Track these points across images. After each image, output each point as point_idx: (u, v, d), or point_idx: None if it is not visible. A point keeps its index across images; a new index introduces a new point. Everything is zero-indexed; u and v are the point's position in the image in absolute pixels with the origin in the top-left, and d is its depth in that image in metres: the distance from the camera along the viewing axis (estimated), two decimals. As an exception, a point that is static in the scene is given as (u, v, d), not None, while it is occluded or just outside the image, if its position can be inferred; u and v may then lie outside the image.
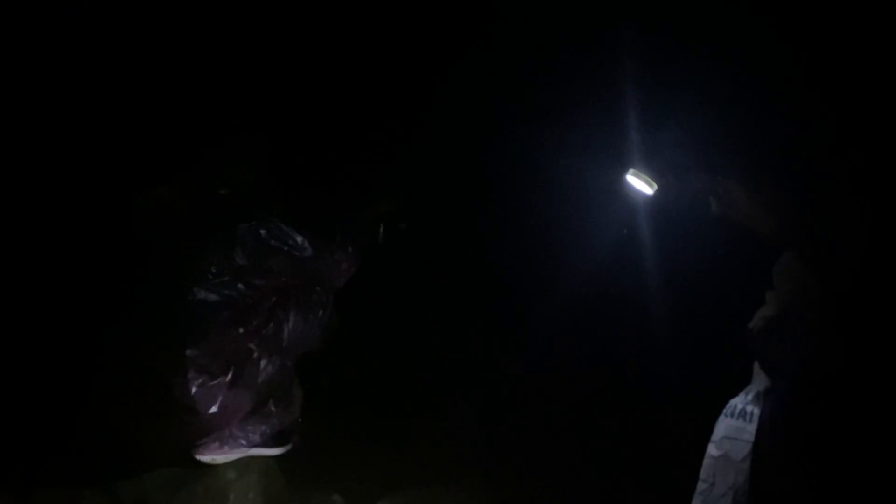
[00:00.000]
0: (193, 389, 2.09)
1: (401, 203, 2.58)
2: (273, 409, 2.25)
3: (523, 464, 2.50)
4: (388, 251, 2.52)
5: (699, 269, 2.57)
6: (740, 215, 1.79)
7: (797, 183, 1.73)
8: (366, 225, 2.42)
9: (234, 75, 2.73)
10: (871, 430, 1.60)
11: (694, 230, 2.15)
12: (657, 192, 2.06)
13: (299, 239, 2.22)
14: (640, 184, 2.07)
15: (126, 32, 2.65)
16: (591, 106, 2.50)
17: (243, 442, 2.21)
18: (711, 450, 1.81)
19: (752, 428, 1.72)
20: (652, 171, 2.04)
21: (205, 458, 2.19)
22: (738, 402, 1.81)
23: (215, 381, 2.13)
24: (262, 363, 2.20)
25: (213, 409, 2.12)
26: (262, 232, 2.18)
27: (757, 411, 1.74)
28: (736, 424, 1.77)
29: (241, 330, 2.16)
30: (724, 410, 1.83)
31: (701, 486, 1.82)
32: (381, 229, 2.49)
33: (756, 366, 1.82)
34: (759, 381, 1.79)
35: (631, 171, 2.08)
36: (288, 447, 2.35)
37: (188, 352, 2.09)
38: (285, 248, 2.21)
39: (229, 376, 2.15)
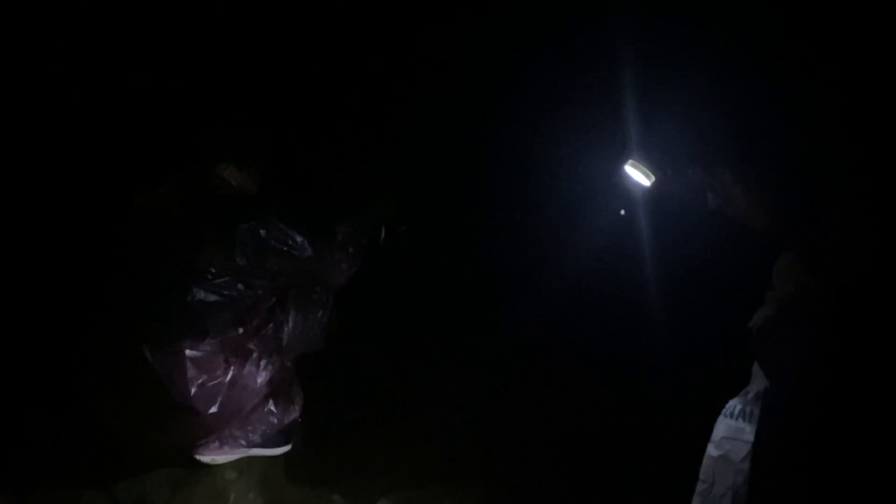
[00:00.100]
0: (193, 389, 2.09)
1: (402, 204, 2.58)
2: (273, 409, 2.25)
3: (523, 464, 2.50)
4: (388, 251, 2.52)
5: (698, 267, 2.57)
6: (736, 210, 1.79)
7: (794, 181, 1.73)
8: (366, 226, 2.42)
9: (234, 75, 2.74)
10: (870, 430, 1.60)
11: (692, 225, 2.15)
12: (655, 184, 2.05)
13: (299, 239, 2.22)
14: (638, 175, 2.06)
15: (126, 33, 2.65)
16: (590, 95, 2.50)
17: (243, 442, 2.21)
18: (711, 450, 1.81)
19: (751, 428, 1.72)
20: (650, 162, 2.04)
21: (205, 458, 2.19)
22: (737, 402, 1.81)
23: (215, 381, 2.13)
24: (262, 363, 2.21)
25: (213, 409, 2.13)
26: (262, 232, 2.18)
27: (756, 412, 1.74)
28: (735, 425, 1.77)
29: (240, 330, 2.16)
30: (724, 411, 1.83)
31: (700, 486, 1.82)
32: (383, 231, 2.49)
33: (755, 366, 1.81)
34: (759, 381, 1.79)
35: (630, 161, 2.07)
36: (288, 447, 2.35)
37: (188, 352, 2.09)
38: (285, 248, 2.21)
39: (229, 376, 2.15)
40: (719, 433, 1.80)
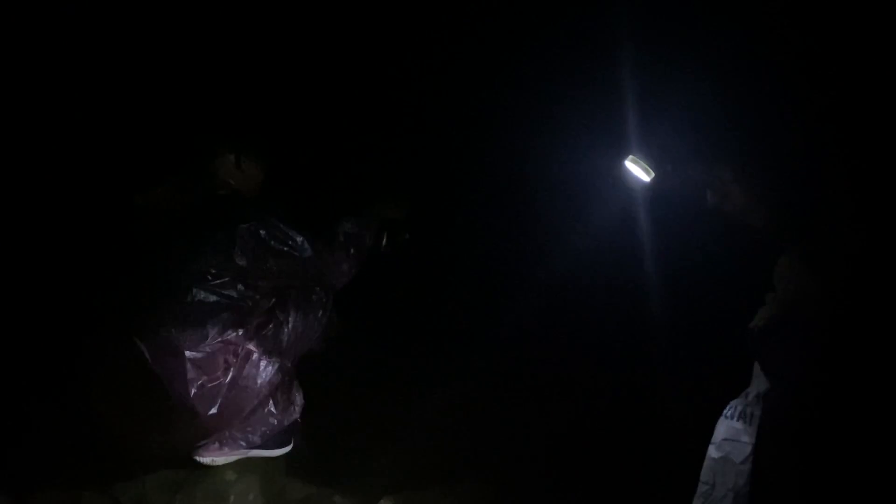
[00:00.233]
0: (193, 390, 2.09)
1: (404, 207, 2.57)
2: (273, 410, 2.24)
3: (523, 464, 2.50)
4: (389, 253, 2.51)
5: (698, 264, 2.56)
6: (735, 208, 1.79)
7: (793, 179, 1.73)
8: (367, 227, 2.41)
9: (235, 75, 2.74)
10: (870, 431, 1.60)
11: (692, 221, 2.15)
12: (654, 181, 2.05)
13: (299, 239, 2.22)
14: (638, 171, 2.06)
15: (127, 33, 2.65)
16: (591, 93, 2.49)
17: (243, 443, 2.21)
18: (712, 451, 1.81)
19: (752, 430, 1.72)
20: (650, 158, 2.04)
21: (204, 459, 2.19)
22: (738, 403, 1.81)
23: (215, 382, 2.13)
24: (262, 363, 2.20)
25: (213, 410, 2.12)
26: (262, 232, 2.17)
27: (757, 413, 1.74)
28: (736, 426, 1.77)
29: (240, 331, 2.16)
30: (725, 412, 1.83)
31: (701, 487, 1.82)
32: (385, 234, 2.48)
33: (756, 367, 1.81)
34: (759, 382, 1.79)
35: (630, 157, 2.07)
36: (288, 448, 2.34)
37: (188, 353, 2.09)
38: (285, 248, 2.20)
39: (229, 377, 2.15)
40: (720, 434, 1.80)
